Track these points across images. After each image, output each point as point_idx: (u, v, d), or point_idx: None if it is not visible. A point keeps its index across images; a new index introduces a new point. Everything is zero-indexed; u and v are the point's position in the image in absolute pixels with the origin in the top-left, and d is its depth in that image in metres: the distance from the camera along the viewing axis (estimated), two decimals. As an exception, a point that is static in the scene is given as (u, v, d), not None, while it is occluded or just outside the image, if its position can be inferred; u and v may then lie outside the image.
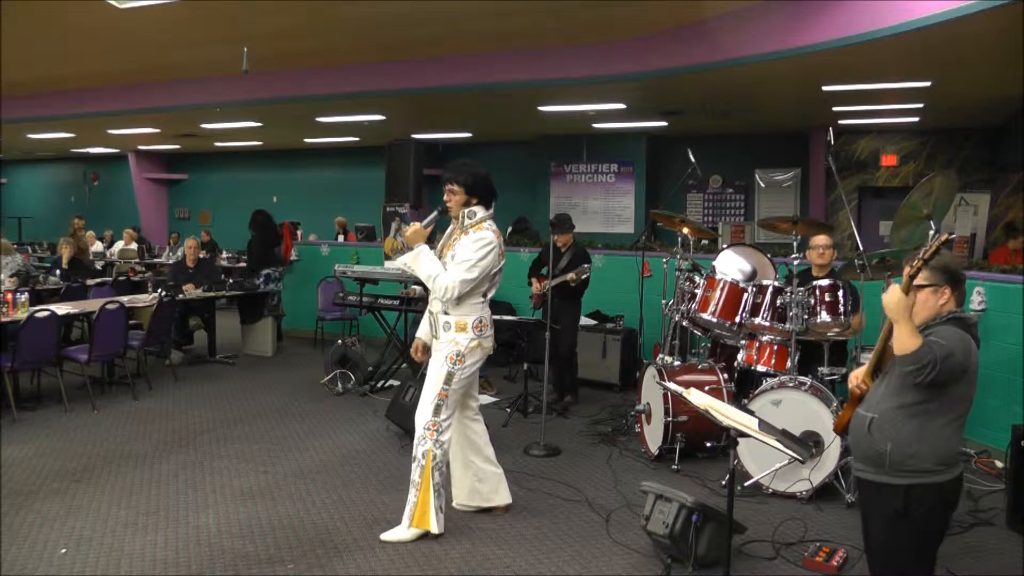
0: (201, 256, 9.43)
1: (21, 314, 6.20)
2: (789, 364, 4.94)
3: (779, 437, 3.08)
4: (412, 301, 7.20)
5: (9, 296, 6.36)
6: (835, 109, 9.43)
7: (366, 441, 5.66)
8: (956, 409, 2.61)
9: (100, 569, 3.62)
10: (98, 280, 9.22)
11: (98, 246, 13.47)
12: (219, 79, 9.91)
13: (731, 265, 5.58)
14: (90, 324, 6.67)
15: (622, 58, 7.98)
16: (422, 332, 4.24)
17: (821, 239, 5.33)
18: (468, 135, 13.28)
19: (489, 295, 4.02)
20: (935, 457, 2.58)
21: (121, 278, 9.83)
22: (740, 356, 5.26)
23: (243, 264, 10.75)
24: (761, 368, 5.10)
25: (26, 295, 6.62)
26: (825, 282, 4.91)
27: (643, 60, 7.86)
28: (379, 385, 7.12)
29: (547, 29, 7.63)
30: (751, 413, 3.23)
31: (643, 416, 5.43)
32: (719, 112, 9.80)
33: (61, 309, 6.71)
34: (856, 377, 2.87)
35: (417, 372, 6.14)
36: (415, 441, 3.94)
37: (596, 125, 11.39)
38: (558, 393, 6.71)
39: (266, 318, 8.87)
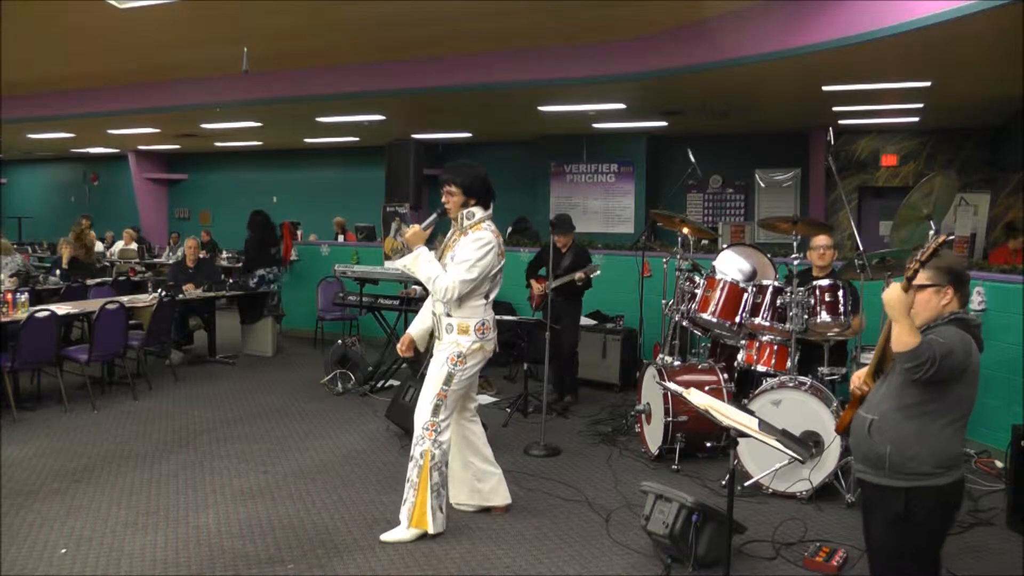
0: (201, 256, 9.43)
1: (21, 314, 6.20)
2: (789, 364, 4.94)
3: (779, 437, 3.08)
4: (412, 301, 7.20)
5: (9, 296, 6.36)
6: (835, 109, 9.43)
7: (366, 441, 5.66)
8: (957, 411, 2.60)
9: (100, 569, 3.61)
10: (98, 280, 9.21)
11: (98, 246, 13.45)
12: (219, 79, 9.92)
13: (731, 265, 5.58)
14: (90, 324, 6.67)
15: (622, 58, 7.98)
16: (414, 328, 4.24)
17: (821, 240, 5.33)
18: (468, 135, 13.28)
19: (491, 296, 4.01)
20: (935, 459, 2.57)
21: (121, 278, 9.83)
22: (740, 356, 5.26)
23: (242, 264, 10.74)
24: (761, 368, 5.10)
25: (26, 295, 6.62)
26: (825, 282, 4.91)
27: (643, 60, 7.86)
28: (379, 385, 7.12)
29: (547, 29, 7.63)
30: (751, 413, 3.23)
31: (643, 416, 5.43)
32: (719, 112, 9.80)
33: (61, 309, 6.71)
34: (858, 378, 2.87)
35: (417, 372, 6.14)
36: (413, 441, 3.94)
37: (596, 125, 11.39)
38: (558, 393, 6.71)
39: (266, 318, 8.87)
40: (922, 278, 2.61)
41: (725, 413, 3.12)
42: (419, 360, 6.03)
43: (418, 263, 3.93)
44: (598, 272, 6.37)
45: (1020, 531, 4.16)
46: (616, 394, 7.16)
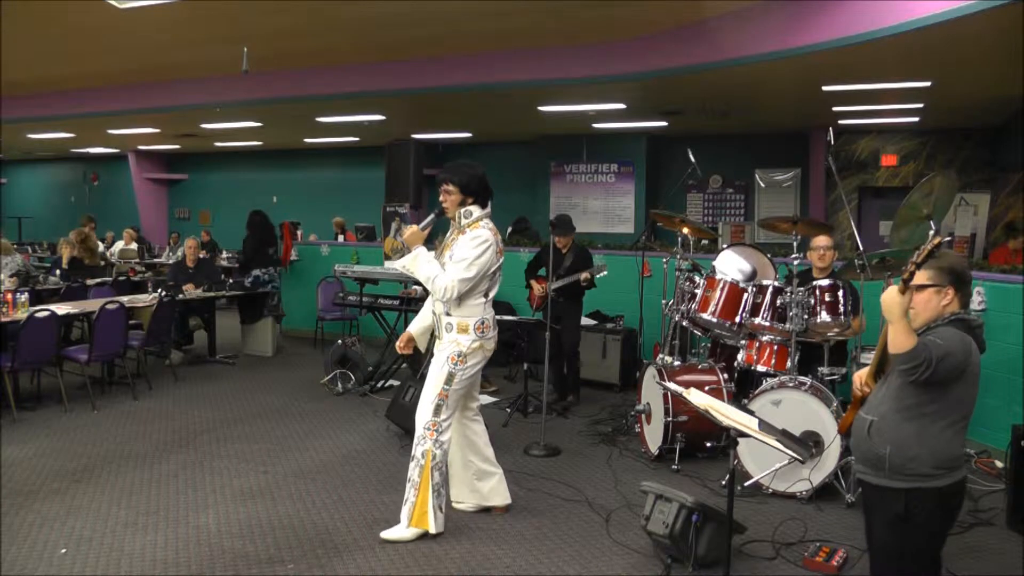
0: (201, 256, 9.42)
1: (21, 314, 6.20)
2: (789, 364, 4.94)
3: (779, 437, 3.08)
4: (412, 301, 7.20)
5: (9, 296, 6.36)
6: (835, 109, 9.43)
7: (366, 441, 5.66)
8: (957, 411, 2.59)
9: (100, 569, 3.62)
10: (98, 280, 9.21)
11: (99, 246, 13.45)
12: (219, 79, 9.91)
13: (731, 265, 5.58)
14: (90, 324, 6.67)
15: (622, 58, 7.97)
16: (414, 326, 4.25)
17: (822, 240, 5.33)
18: (468, 135, 13.28)
19: (491, 294, 4.01)
20: (935, 460, 2.56)
21: (121, 278, 9.82)
22: (740, 356, 5.26)
23: (239, 264, 10.73)
24: (761, 368, 5.10)
25: (26, 295, 6.62)
26: (825, 282, 4.91)
27: (643, 60, 7.86)
28: (379, 385, 7.12)
29: (547, 29, 7.63)
30: (751, 413, 3.23)
31: (643, 416, 5.43)
32: (719, 112, 9.80)
33: (61, 309, 6.71)
34: (859, 379, 2.87)
35: (417, 372, 6.14)
36: (415, 440, 3.94)
37: (596, 125, 11.39)
38: (558, 393, 6.70)
39: (266, 318, 8.87)
40: (922, 278, 2.60)
41: (725, 413, 3.12)
42: (419, 360, 6.03)
43: (417, 263, 3.93)
44: (604, 272, 6.36)
45: (1020, 531, 4.16)
46: (616, 394, 7.16)
